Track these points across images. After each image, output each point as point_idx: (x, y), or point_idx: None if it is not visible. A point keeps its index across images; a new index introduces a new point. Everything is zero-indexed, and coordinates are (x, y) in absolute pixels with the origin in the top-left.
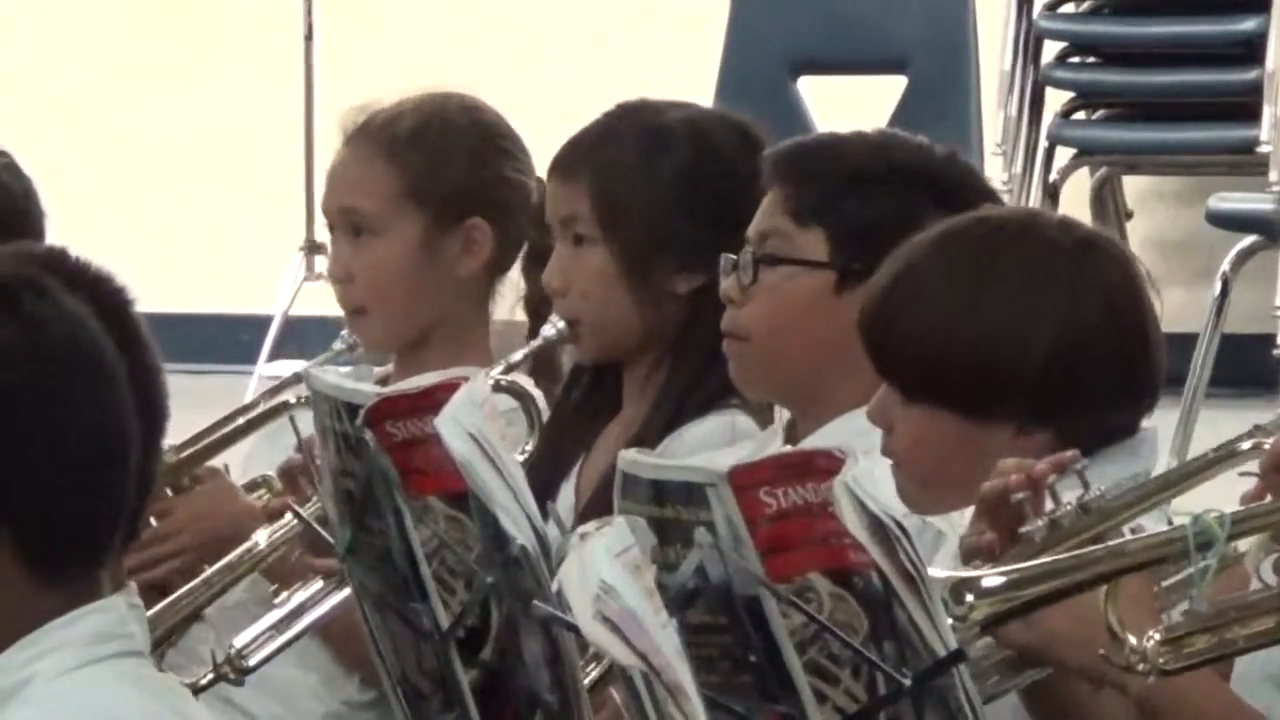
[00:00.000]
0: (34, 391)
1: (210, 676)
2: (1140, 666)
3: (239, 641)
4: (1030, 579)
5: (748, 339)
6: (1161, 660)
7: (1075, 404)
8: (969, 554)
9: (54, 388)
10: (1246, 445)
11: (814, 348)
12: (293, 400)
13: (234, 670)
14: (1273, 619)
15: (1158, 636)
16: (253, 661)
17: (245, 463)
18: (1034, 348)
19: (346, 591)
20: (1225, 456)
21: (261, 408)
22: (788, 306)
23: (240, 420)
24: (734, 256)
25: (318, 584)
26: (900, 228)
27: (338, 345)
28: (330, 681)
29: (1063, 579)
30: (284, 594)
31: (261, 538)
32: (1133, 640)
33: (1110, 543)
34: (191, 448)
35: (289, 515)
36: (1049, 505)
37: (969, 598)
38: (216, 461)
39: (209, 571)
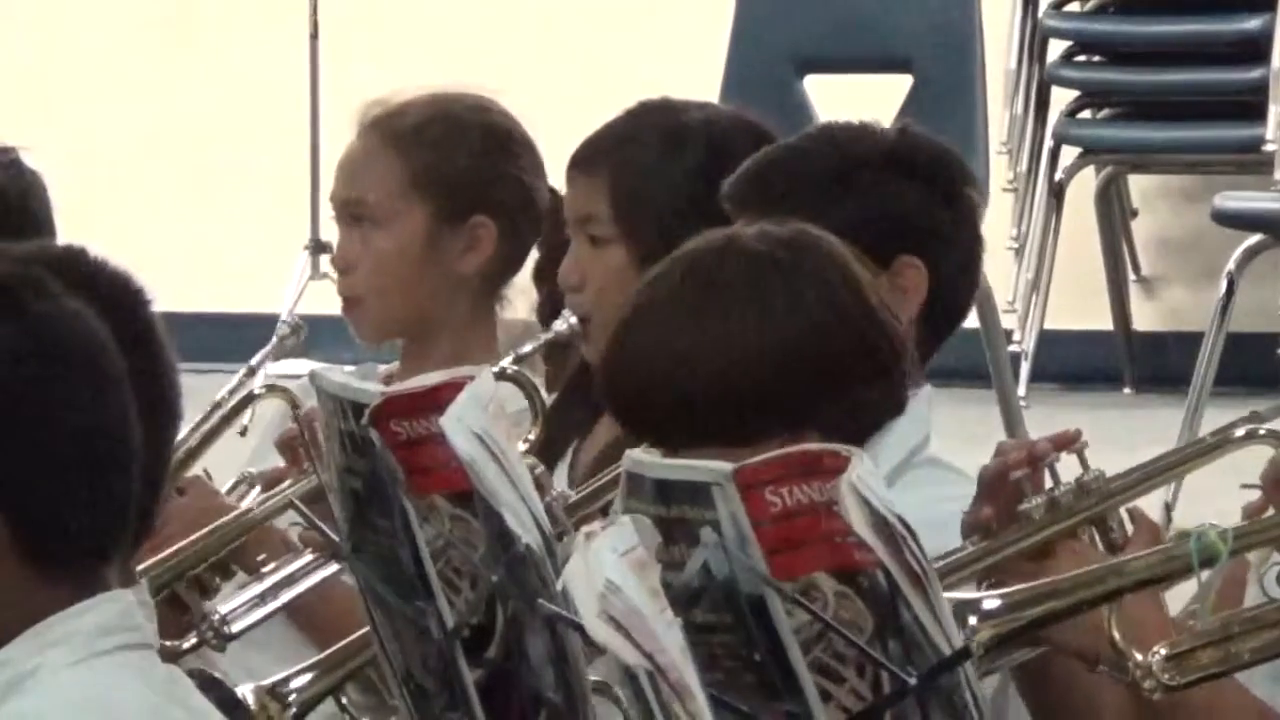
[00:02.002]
0: (32, 389)
1: (193, 641)
2: (1146, 683)
3: (223, 608)
4: (1033, 599)
5: None
6: (1166, 676)
7: (827, 399)
8: (969, 530)
9: (52, 386)
10: (1241, 431)
11: None
12: (257, 391)
13: (216, 635)
14: (1277, 632)
15: (1162, 652)
16: (236, 629)
17: (251, 458)
18: (767, 359)
19: (334, 566)
20: (1222, 442)
21: (231, 403)
22: None
23: (212, 420)
24: None
25: (306, 556)
26: (888, 212)
27: (283, 331)
28: None
29: (1066, 599)
30: (271, 564)
31: (255, 504)
32: (1137, 656)
33: (1112, 561)
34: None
35: (285, 483)
36: (1048, 484)
37: (971, 620)
38: (196, 468)
39: (200, 532)
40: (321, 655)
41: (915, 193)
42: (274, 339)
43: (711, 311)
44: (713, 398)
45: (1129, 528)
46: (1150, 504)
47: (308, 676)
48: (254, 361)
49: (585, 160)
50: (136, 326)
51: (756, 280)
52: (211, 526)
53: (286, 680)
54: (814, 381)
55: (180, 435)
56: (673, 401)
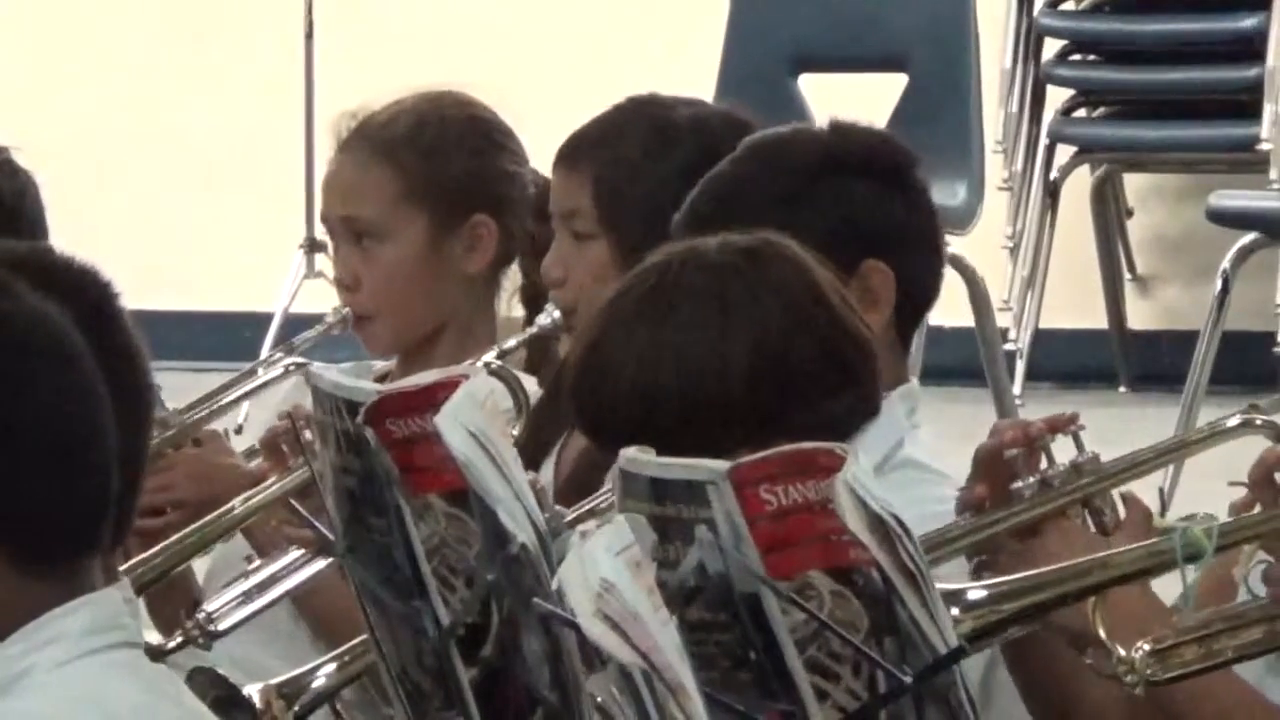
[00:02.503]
0: (9, 389)
1: (179, 640)
2: (1128, 678)
3: (209, 606)
4: (1017, 592)
5: None
6: (1149, 671)
7: (796, 409)
8: (961, 508)
9: (22, 383)
10: (1236, 420)
11: None
12: (291, 367)
13: (203, 634)
14: (1261, 629)
15: (1146, 647)
16: (222, 626)
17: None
18: (734, 369)
19: (322, 563)
20: (1218, 431)
21: (261, 376)
22: None
23: (239, 389)
24: None
25: (293, 553)
26: (841, 216)
27: (331, 318)
28: None
29: (1050, 591)
30: (258, 561)
31: (238, 503)
32: (1121, 651)
33: (1097, 555)
34: (193, 411)
35: (269, 481)
36: (1043, 465)
37: (954, 611)
38: (216, 426)
39: (183, 532)
40: (330, 655)
41: (864, 192)
42: (321, 325)
43: (675, 324)
44: (679, 411)
45: (1121, 511)
46: (1145, 490)
47: (318, 675)
48: (296, 340)
49: (570, 155)
50: (105, 320)
51: (719, 291)
52: (195, 525)
53: (294, 680)
54: (780, 391)
55: (207, 392)
56: (639, 416)
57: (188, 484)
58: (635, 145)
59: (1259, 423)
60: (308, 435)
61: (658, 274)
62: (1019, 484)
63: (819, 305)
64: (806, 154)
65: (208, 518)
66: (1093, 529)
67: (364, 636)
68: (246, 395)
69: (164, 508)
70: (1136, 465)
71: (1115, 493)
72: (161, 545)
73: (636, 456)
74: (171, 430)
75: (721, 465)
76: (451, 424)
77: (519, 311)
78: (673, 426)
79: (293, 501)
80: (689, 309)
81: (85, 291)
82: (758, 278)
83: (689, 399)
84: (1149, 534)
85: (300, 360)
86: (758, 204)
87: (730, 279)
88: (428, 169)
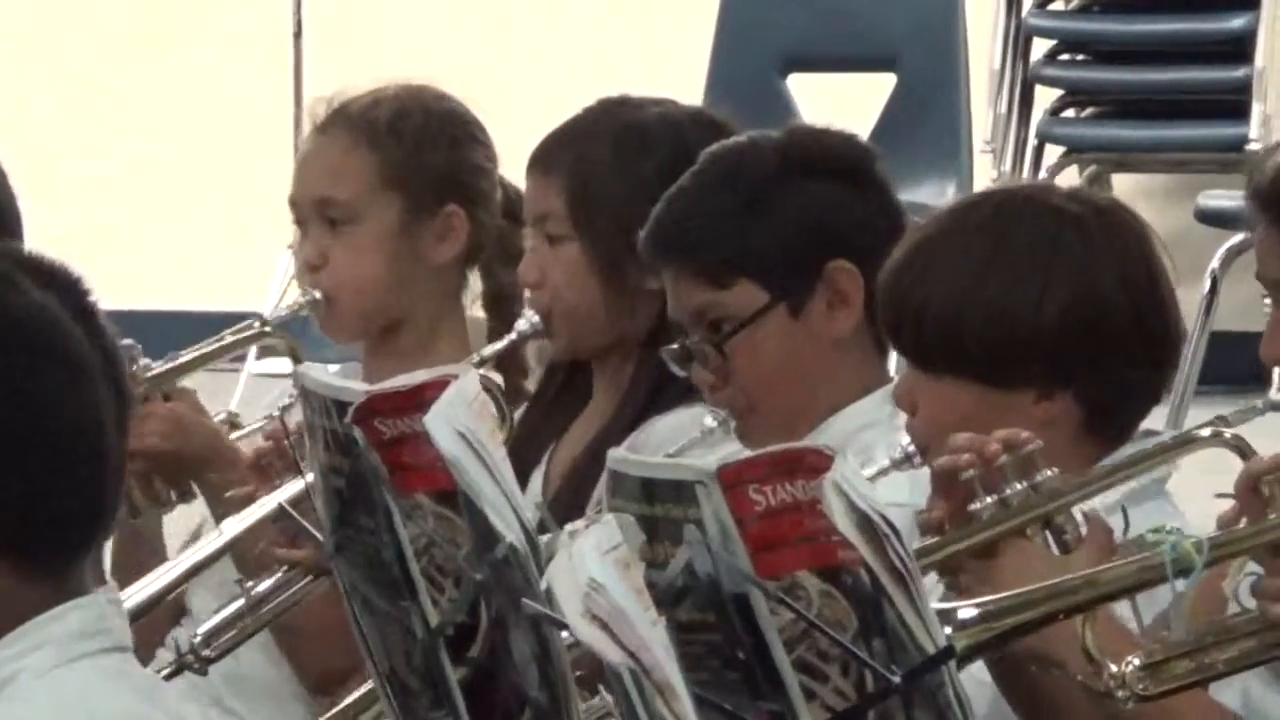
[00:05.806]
0: (10, 385)
1: (173, 666)
2: (1119, 693)
3: (202, 630)
4: (1008, 609)
5: (753, 409)
6: (1140, 686)
7: (1093, 365)
8: (923, 530)
9: (30, 381)
10: (1205, 433)
11: (806, 377)
12: (267, 330)
13: (197, 659)
14: (1252, 641)
15: (1136, 662)
16: (216, 651)
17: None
18: (1048, 310)
19: (310, 581)
20: (1183, 443)
21: (229, 338)
22: (769, 361)
23: (210, 348)
24: (674, 348)
25: (284, 573)
26: (804, 221)
27: (301, 299)
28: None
29: (1040, 609)
30: (249, 583)
31: (229, 524)
32: (1111, 666)
33: (1086, 571)
34: (161, 364)
35: (255, 503)
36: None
37: (946, 630)
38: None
39: (175, 559)
40: (333, 712)
41: (822, 193)
42: (294, 304)
43: (1005, 249)
44: (981, 331)
45: (1083, 529)
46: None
47: None
48: (268, 315)
49: (541, 159)
50: (90, 318)
51: (1056, 236)
52: (188, 553)
53: None
54: (1084, 346)
55: (181, 360)
56: (943, 331)
57: (158, 434)
58: (605, 147)
59: (1229, 435)
60: (304, 442)
61: (1001, 201)
62: (976, 505)
63: (1149, 282)
64: (763, 161)
65: (200, 542)
66: (1054, 547)
67: (364, 690)
68: (212, 355)
69: (132, 455)
70: (1096, 481)
71: (1076, 510)
72: (154, 573)
73: (626, 456)
74: (140, 386)
75: (710, 466)
76: (440, 424)
77: (479, 313)
78: (969, 350)
79: (286, 506)
80: (1022, 240)
81: (75, 290)
82: (1099, 234)
83: (997, 327)
84: (1111, 551)
85: (275, 330)
86: (719, 214)
87: (1071, 228)
88: (407, 155)
